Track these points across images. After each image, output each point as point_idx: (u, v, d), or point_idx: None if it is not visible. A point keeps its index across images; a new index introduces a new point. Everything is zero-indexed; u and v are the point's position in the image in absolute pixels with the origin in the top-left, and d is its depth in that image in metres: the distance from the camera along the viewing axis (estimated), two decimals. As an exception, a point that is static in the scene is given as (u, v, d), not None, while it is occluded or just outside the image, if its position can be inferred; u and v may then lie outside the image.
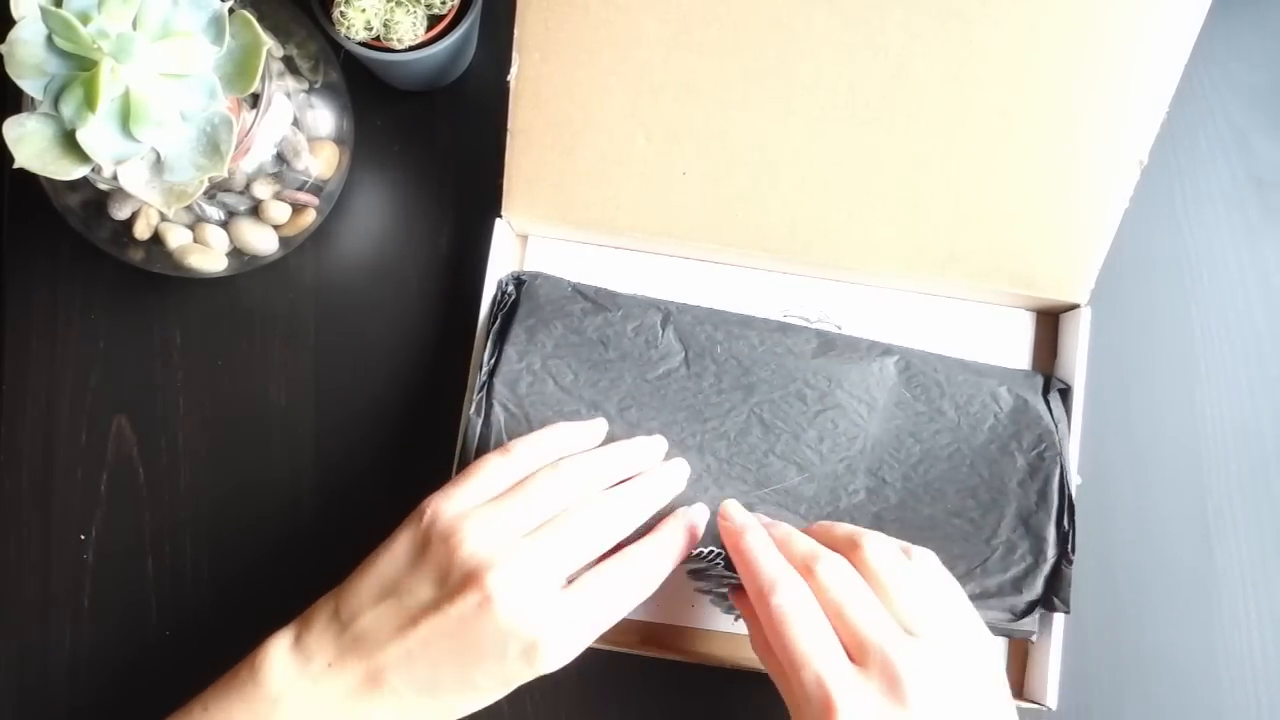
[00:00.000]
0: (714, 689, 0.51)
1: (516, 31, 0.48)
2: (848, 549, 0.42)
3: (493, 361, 0.50)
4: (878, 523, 0.49)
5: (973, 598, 0.47)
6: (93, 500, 0.52)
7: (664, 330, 0.51)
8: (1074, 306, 0.52)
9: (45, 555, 0.52)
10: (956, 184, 0.50)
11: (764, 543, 0.42)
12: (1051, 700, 0.48)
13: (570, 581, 0.40)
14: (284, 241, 0.49)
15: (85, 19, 0.36)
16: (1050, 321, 0.54)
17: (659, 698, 0.51)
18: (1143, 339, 0.55)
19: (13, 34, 0.36)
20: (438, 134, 0.55)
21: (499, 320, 0.50)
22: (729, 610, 0.51)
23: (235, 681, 0.39)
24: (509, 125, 0.50)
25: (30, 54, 0.37)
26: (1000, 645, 0.50)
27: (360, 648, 0.38)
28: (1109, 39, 0.47)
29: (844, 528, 0.43)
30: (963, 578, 0.48)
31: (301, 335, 0.54)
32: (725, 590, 0.50)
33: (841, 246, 0.51)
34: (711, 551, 0.47)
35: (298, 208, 0.48)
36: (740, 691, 0.51)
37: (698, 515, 0.45)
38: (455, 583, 0.38)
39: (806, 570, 0.40)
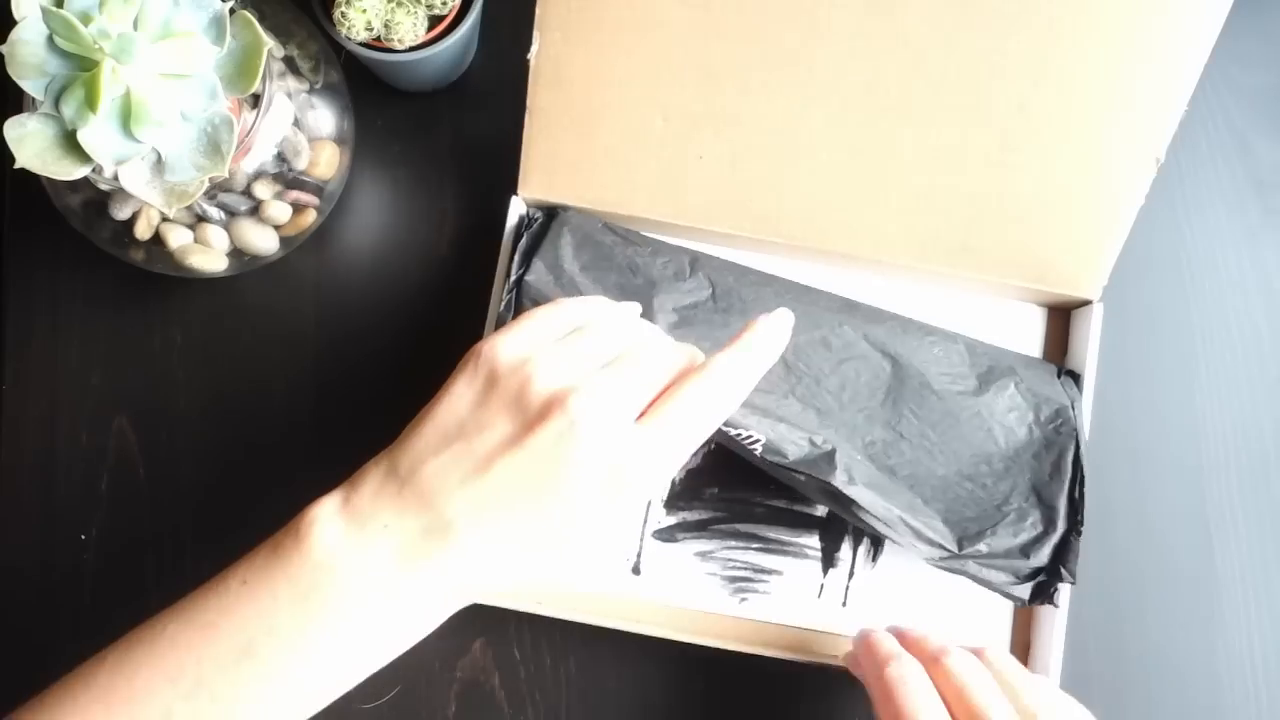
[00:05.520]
0: (718, 674, 0.51)
1: (538, 10, 0.48)
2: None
3: (520, 271, 0.48)
4: (891, 476, 0.48)
5: (978, 557, 0.46)
6: (93, 500, 0.52)
7: (692, 270, 0.50)
8: (1085, 303, 0.52)
9: (45, 555, 0.52)
10: (972, 176, 0.50)
11: (885, 634, 0.45)
12: (1051, 701, 0.48)
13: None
14: (285, 242, 0.49)
15: (86, 19, 0.36)
16: (1061, 317, 0.54)
17: (662, 683, 0.51)
18: (1143, 340, 0.55)
19: (14, 34, 0.36)
20: (438, 134, 0.56)
21: (526, 239, 0.49)
22: (735, 593, 0.51)
23: (277, 550, 0.35)
24: (528, 103, 0.50)
25: (31, 54, 0.37)
26: (1005, 640, 0.51)
27: (422, 502, 0.34)
28: (1129, 35, 0.47)
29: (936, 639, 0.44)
30: (972, 538, 0.46)
31: (301, 335, 0.54)
32: (732, 574, 0.50)
33: (855, 235, 0.51)
34: (751, 437, 0.45)
35: (298, 208, 0.48)
36: (744, 677, 0.51)
37: (783, 317, 0.40)
38: (534, 413, 0.34)
39: (934, 660, 0.42)
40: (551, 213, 0.51)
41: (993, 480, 0.48)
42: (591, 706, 0.51)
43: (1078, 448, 0.49)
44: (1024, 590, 0.47)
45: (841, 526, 0.52)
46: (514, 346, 0.37)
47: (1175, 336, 0.55)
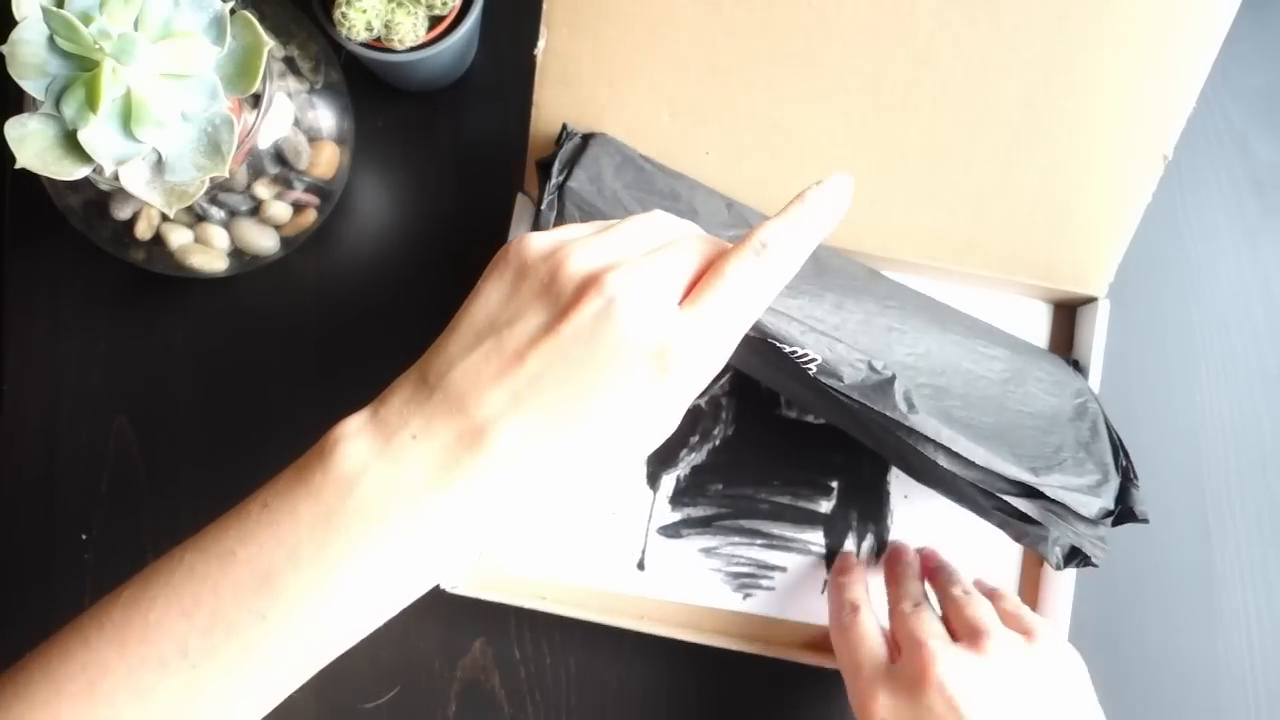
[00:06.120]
0: (720, 670, 0.51)
1: (545, 5, 0.48)
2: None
3: (561, 178, 0.46)
4: (948, 419, 0.43)
5: (1056, 488, 0.43)
6: (93, 500, 0.52)
7: (729, 211, 0.49)
8: (1091, 299, 0.52)
9: (45, 555, 0.52)
10: (979, 172, 0.50)
11: (851, 580, 0.49)
12: (1052, 700, 0.48)
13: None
14: (285, 241, 0.49)
15: (87, 19, 0.36)
16: (1066, 314, 0.54)
17: (664, 681, 0.51)
18: (1143, 340, 0.55)
19: (15, 34, 0.36)
20: (439, 134, 0.56)
21: (564, 151, 0.47)
22: (739, 589, 0.51)
23: (301, 471, 0.32)
24: (534, 98, 0.50)
25: (32, 54, 0.37)
26: None
27: (452, 406, 0.32)
28: (1136, 31, 0.47)
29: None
30: (1043, 471, 0.43)
31: (302, 335, 0.54)
32: (736, 570, 0.51)
33: (862, 231, 0.51)
34: (806, 355, 0.42)
35: (299, 208, 0.48)
36: (747, 673, 0.51)
37: (839, 181, 0.35)
38: (568, 297, 0.32)
39: (893, 606, 0.47)
40: (588, 135, 0.49)
41: (1041, 434, 0.46)
42: (592, 705, 0.51)
43: (1108, 420, 0.48)
44: (1101, 531, 0.43)
45: (845, 523, 0.52)
46: (545, 238, 0.34)
47: (1174, 335, 0.55)
